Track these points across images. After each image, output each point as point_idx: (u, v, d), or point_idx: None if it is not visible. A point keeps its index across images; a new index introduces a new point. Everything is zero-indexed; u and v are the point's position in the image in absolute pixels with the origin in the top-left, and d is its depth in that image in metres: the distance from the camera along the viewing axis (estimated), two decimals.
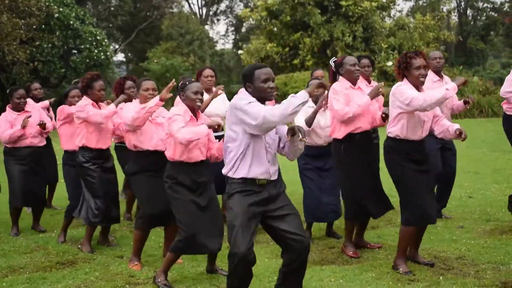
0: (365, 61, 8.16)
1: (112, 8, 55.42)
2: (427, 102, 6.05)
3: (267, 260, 7.13)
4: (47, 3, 30.36)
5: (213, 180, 6.62)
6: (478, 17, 63.47)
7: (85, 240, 8.01)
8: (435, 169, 8.23)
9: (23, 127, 8.85)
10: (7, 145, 9.08)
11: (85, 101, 7.79)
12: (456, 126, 6.35)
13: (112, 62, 41.06)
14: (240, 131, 5.16)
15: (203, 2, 63.25)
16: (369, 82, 7.60)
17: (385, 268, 6.60)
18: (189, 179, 6.34)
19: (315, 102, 7.67)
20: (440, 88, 6.27)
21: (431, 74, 8.63)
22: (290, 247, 5.23)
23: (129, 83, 8.10)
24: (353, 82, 7.30)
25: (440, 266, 6.62)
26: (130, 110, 7.01)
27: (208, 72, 8.99)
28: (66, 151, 8.81)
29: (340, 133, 7.26)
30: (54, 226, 9.27)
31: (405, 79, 6.44)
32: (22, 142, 9.00)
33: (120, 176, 8.56)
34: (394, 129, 6.47)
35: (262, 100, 5.23)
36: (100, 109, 7.82)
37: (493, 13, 62.59)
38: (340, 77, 7.36)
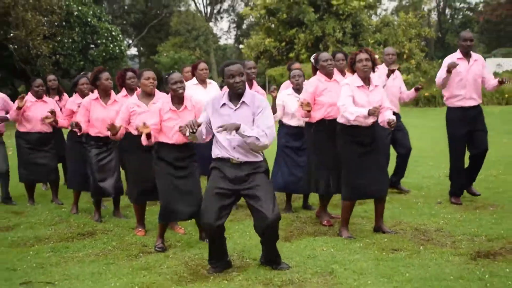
0: (339, 55, 8.22)
1: (126, 7, 55.32)
2: (346, 115, 6.51)
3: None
4: (67, 2, 30.32)
5: (195, 159, 6.71)
6: (456, 16, 63.51)
7: (95, 210, 8.28)
8: (405, 146, 8.97)
9: (19, 108, 8.92)
10: (19, 129, 9.27)
11: (92, 96, 8.04)
12: (391, 117, 6.56)
13: (126, 56, 40.95)
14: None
15: (208, 1, 62.97)
16: (344, 75, 7.68)
17: (371, 239, 6.62)
18: (172, 156, 6.48)
19: (296, 90, 7.97)
20: (363, 110, 6.43)
21: (384, 68, 8.90)
22: (256, 221, 5.51)
23: (129, 74, 8.13)
24: (328, 75, 7.44)
25: (421, 237, 6.64)
26: (123, 112, 7.24)
27: (202, 65, 9.18)
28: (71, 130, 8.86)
29: (312, 118, 7.44)
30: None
31: (355, 74, 6.76)
32: (31, 127, 9.17)
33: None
34: (341, 116, 6.76)
35: (234, 94, 5.49)
36: (106, 102, 7.94)
37: (469, 12, 62.68)
38: (318, 71, 7.52)
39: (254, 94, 5.60)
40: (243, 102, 5.46)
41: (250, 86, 7.86)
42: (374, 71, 6.86)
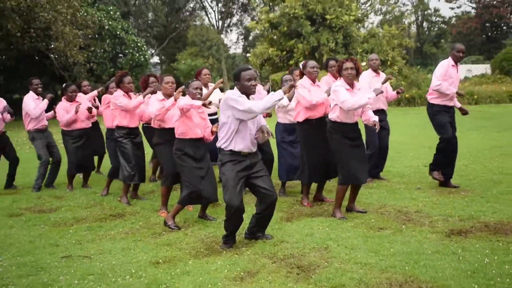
0: (332, 62, 8.34)
1: (149, 21, 55.18)
2: (355, 105, 6.56)
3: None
4: (99, 18, 30.32)
5: (207, 153, 6.98)
6: (432, 28, 63.26)
7: (122, 194, 8.31)
8: (372, 144, 8.84)
9: (76, 112, 9.17)
10: (64, 128, 9.37)
11: (119, 92, 8.09)
12: (374, 118, 6.78)
13: (149, 63, 40.93)
14: (231, 116, 5.52)
15: (220, 17, 62.89)
16: (336, 78, 7.72)
17: (360, 219, 6.62)
18: (192, 150, 6.69)
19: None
20: (365, 96, 6.62)
21: (371, 72, 9.11)
22: (263, 199, 5.72)
23: (151, 79, 8.30)
24: (313, 80, 7.54)
25: (403, 218, 6.64)
26: (153, 105, 7.33)
27: (205, 71, 9.36)
28: (108, 128, 9.26)
29: (300, 118, 7.55)
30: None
31: (341, 78, 6.84)
32: (74, 126, 9.33)
33: (147, 150, 8.74)
34: (333, 115, 6.85)
35: (247, 95, 5.57)
36: (130, 99, 8.06)
37: (443, 25, 62.38)
38: (304, 76, 7.61)
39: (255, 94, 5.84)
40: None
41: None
42: (357, 78, 6.99)
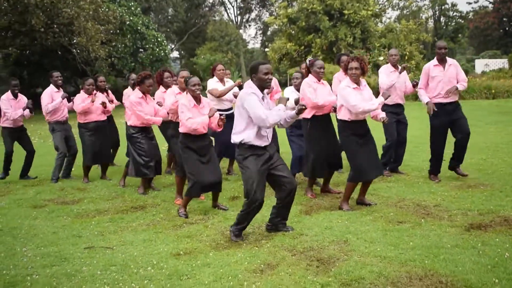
0: (344, 57, 8.33)
1: (169, 17, 55.34)
2: (364, 110, 6.60)
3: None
4: (120, 13, 30.47)
5: (212, 145, 7.18)
6: (449, 23, 62.59)
7: (140, 185, 8.53)
8: (391, 136, 8.80)
9: (92, 101, 9.33)
10: (80, 121, 9.47)
11: (138, 93, 8.18)
12: (382, 114, 6.83)
13: (169, 58, 41.12)
14: (246, 114, 5.52)
15: (238, 12, 62.87)
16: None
17: (379, 213, 6.54)
18: (195, 145, 6.87)
19: (298, 89, 8.03)
20: (374, 102, 6.67)
21: (389, 66, 9.00)
22: (283, 187, 5.71)
23: (166, 74, 8.51)
24: (319, 78, 7.51)
25: (422, 211, 6.56)
26: (169, 99, 7.80)
27: (219, 67, 9.44)
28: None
29: (306, 114, 7.51)
30: (126, 181, 9.32)
31: (347, 77, 6.86)
32: (90, 118, 9.44)
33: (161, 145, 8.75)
34: (342, 114, 6.84)
35: (261, 88, 5.60)
36: (147, 99, 8.20)
37: (460, 20, 61.73)
38: (310, 74, 7.58)
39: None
40: (263, 95, 5.66)
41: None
42: (364, 76, 6.93)
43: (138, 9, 34.84)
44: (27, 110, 9.70)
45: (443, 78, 8.16)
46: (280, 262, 4.99)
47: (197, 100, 6.91)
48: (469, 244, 5.23)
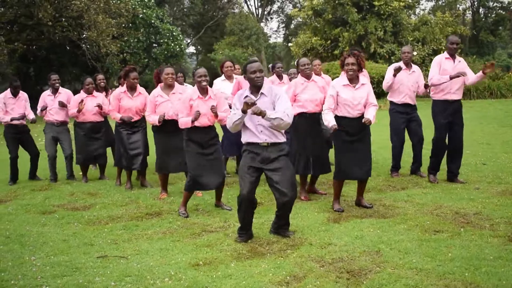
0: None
1: (185, 9, 55.55)
2: (326, 119, 7.06)
3: (316, 214, 7.15)
4: (133, 6, 30.62)
5: (217, 139, 7.52)
6: (489, 14, 61.90)
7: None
8: (396, 136, 9.23)
9: (79, 111, 9.81)
10: (77, 120, 10.01)
11: (121, 89, 9.10)
12: (367, 116, 6.91)
13: (185, 54, 41.33)
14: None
15: (259, 4, 62.91)
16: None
17: (414, 221, 6.51)
18: (199, 138, 7.26)
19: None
20: (330, 119, 7.00)
21: (401, 64, 9.16)
22: (276, 197, 5.94)
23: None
24: (306, 77, 7.88)
25: (461, 220, 6.52)
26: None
27: (227, 63, 9.87)
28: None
29: (294, 112, 7.68)
30: (141, 185, 9.42)
31: (342, 73, 7.23)
32: (86, 118, 9.93)
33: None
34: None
35: (254, 87, 5.92)
36: (132, 95, 9.03)
37: (501, 11, 61.02)
38: (299, 74, 8.02)
39: (271, 86, 6.02)
40: (262, 93, 5.90)
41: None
42: (361, 71, 7.15)
43: (152, 1, 34.99)
44: (31, 113, 10.23)
45: (451, 73, 8.41)
46: (307, 274, 4.99)
47: (203, 91, 7.30)
48: None
